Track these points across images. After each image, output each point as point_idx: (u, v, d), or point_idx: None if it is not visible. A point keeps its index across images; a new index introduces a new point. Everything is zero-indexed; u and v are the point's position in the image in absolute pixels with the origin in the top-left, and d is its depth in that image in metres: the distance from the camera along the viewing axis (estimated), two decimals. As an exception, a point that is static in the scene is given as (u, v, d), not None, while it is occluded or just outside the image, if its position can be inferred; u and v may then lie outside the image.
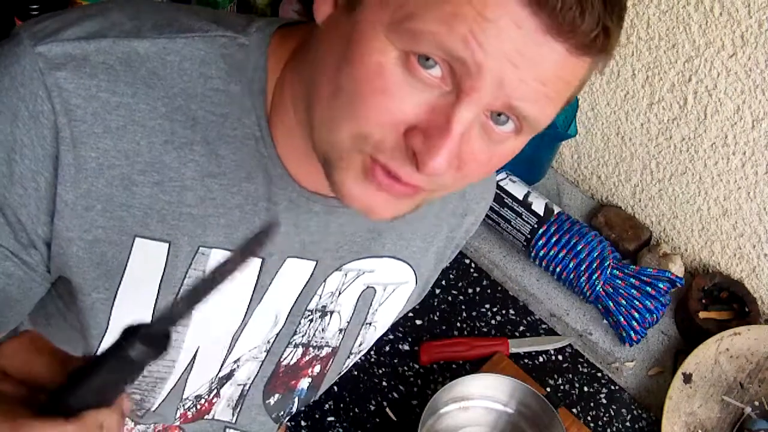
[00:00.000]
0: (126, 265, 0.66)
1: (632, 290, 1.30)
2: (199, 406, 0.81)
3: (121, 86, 0.61)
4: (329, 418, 1.16)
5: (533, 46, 0.51)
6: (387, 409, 1.19)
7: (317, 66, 0.60)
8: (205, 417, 0.83)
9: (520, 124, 0.56)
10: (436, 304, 1.31)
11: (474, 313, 1.32)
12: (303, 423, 1.15)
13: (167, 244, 0.67)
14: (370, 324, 0.85)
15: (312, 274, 0.75)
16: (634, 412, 1.25)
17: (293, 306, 0.77)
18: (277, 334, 0.79)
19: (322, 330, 0.81)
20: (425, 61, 0.53)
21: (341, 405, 1.18)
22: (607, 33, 0.52)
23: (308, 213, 0.70)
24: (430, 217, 0.81)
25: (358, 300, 0.81)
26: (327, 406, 1.17)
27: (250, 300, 0.73)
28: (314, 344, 0.82)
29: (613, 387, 1.27)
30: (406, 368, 1.23)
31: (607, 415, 1.24)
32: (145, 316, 0.70)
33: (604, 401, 1.26)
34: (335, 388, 1.19)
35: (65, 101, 0.60)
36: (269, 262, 0.72)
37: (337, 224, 0.73)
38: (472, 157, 0.57)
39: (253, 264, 0.71)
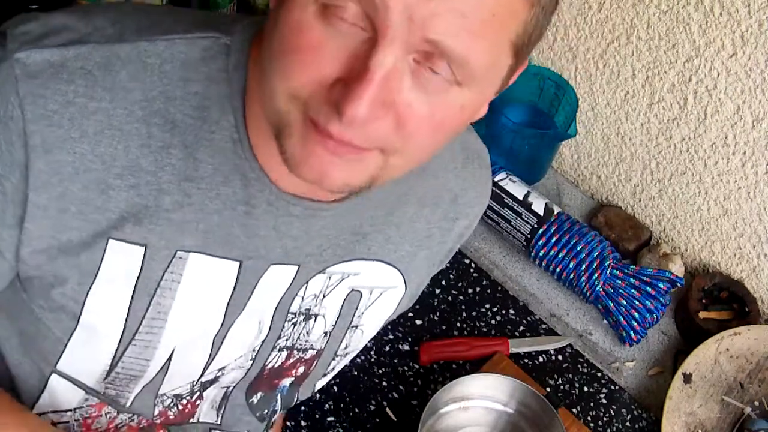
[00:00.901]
0: (100, 266, 0.66)
1: (632, 290, 1.30)
2: (180, 407, 0.80)
3: (98, 91, 0.61)
4: (329, 418, 1.16)
5: None
6: (387, 409, 1.19)
7: (265, 46, 0.60)
8: (190, 421, 0.83)
9: (452, 71, 0.53)
10: (436, 304, 1.31)
11: (474, 313, 1.32)
12: (303, 423, 1.15)
13: (143, 248, 0.66)
14: (356, 327, 0.84)
15: (294, 278, 0.75)
16: (634, 412, 1.25)
17: (275, 310, 0.76)
18: (263, 341, 0.78)
19: (307, 333, 0.80)
20: (344, 12, 0.52)
21: (341, 405, 1.18)
22: None
23: (288, 216, 0.69)
24: (420, 221, 0.80)
25: (343, 303, 0.80)
26: (327, 406, 1.17)
27: (228, 303, 0.72)
28: (298, 347, 0.81)
29: (613, 387, 1.27)
30: (406, 368, 1.23)
31: (607, 415, 1.24)
32: (120, 317, 0.70)
33: (604, 401, 1.26)
34: (335, 388, 1.19)
35: (41, 107, 0.60)
36: (248, 266, 0.71)
37: (319, 227, 0.72)
38: (410, 110, 0.55)
39: (231, 268, 0.70)
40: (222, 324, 0.74)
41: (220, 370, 0.78)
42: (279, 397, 0.87)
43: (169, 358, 0.74)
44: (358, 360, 1.22)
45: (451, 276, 1.35)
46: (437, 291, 1.33)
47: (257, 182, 0.67)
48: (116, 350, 0.72)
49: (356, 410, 1.18)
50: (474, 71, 0.54)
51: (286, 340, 0.80)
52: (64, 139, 0.61)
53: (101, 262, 0.66)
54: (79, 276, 0.66)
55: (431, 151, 0.61)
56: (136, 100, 0.62)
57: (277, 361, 0.81)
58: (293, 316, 0.78)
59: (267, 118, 0.60)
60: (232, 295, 0.72)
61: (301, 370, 0.84)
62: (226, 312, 0.73)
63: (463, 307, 1.32)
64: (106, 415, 0.79)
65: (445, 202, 0.81)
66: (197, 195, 0.66)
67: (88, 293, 0.67)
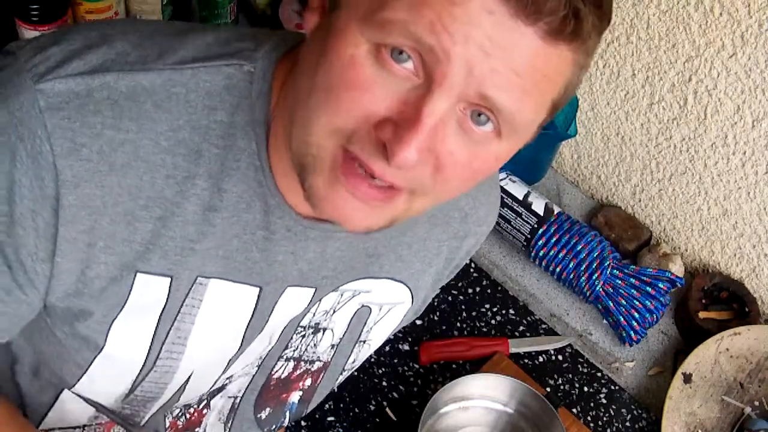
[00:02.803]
0: (127, 299, 0.65)
1: (632, 290, 1.30)
2: (188, 415, 0.80)
3: (125, 122, 0.59)
4: (329, 418, 1.16)
5: (505, 32, 0.50)
6: (387, 409, 1.19)
7: (300, 75, 0.59)
8: (196, 430, 0.82)
9: (498, 124, 0.54)
10: (436, 304, 1.31)
11: (474, 313, 1.32)
12: (303, 423, 1.15)
13: (169, 279, 0.65)
14: (364, 342, 0.84)
15: (311, 300, 0.75)
16: (634, 412, 1.25)
17: (287, 325, 0.76)
18: (270, 351, 0.78)
19: (314, 345, 0.80)
20: (398, 55, 0.52)
21: (341, 405, 1.18)
22: (577, 16, 0.51)
23: (305, 241, 0.69)
24: (431, 240, 0.80)
25: (352, 318, 0.80)
26: (327, 406, 1.17)
27: (247, 327, 0.72)
28: (306, 358, 0.81)
29: (613, 387, 1.27)
30: (406, 368, 1.23)
31: (607, 415, 1.24)
32: (143, 347, 0.69)
33: (604, 401, 1.26)
34: (335, 388, 1.19)
35: (70, 141, 0.58)
36: (267, 291, 0.71)
37: (335, 249, 0.72)
38: (451, 158, 0.55)
39: (251, 293, 0.70)
40: (240, 347, 0.74)
41: (227, 378, 0.78)
42: (288, 414, 0.87)
43: (187, 380, 0.74)
44: (358, 360, 1.22)
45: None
46: (437, 291, 1.33)
47: (277, 209, 0.66)
48: (137, 377, 0.71)
49: (356, 410, 1.18)
50: (517, 126, 0.55)
51: (294, 351, 0.80)
52: (92, 173, 0.59)
53: (128, 296, 0.65)
54: (105, 309, 0.65)
55: (457, 194, 0.62)
56: (162, 131, 0.61)
57: (284, 372, 0.81)
58: (302, 329, 0.78)
59: (294, 149, 0.59)
60: (251, 319, 0.72)
61: (308, 382, 0.84)
62: (244, 336, 0.73)
63: (463, 307, 1.32)
64: None
65: (455, 221, 0.80)
66: (220, 224, 0.65)
67: (112, 324, 0.66)
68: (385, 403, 1.19)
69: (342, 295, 0.77)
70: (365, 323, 0.82)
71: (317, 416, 1.16)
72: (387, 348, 1.25)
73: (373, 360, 1.23)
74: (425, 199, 0.60)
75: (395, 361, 1.24)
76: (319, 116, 0.56)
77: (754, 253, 1.35)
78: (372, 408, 1.19)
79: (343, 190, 0.57)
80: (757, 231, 1.33)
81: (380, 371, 1.22)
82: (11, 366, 0.76)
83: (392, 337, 1.25)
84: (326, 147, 0.56)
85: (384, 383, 1.21)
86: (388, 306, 0.82)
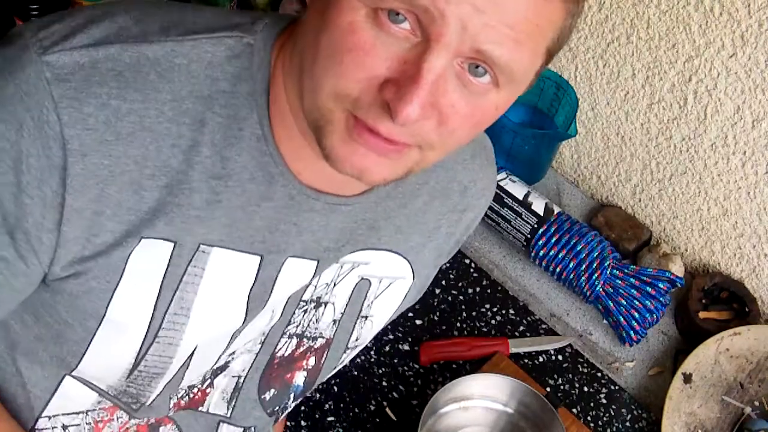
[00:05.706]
0: (128, 263, 0.66)
1: (632, 290, 1.30)
2: (191, 395, 0.81)
3: (131, 92, 0.61)
4: (329, 418, 1.16)
5: None
6: (387, 409, 1.19)
7: (304, 44, 0.62)
8: (199, 409, 0.83)
9: (495, 75, 0.57)
10: (436, 304, 1.31)
11: (474, 313, 1.32)
12: (303, 423, 1.15)
13: (172, 244, 0.67)
14: (366, 318, 0.85)
15: (314, 273, 0.76)
16: (634, 412, 1.25)
17: (288, 299, 0.77)
18: (272, 326, 0.79)
19: (316, 320, 0.81)
20: (395, 17, 0.55)
21: (341, 405, 1.18)
22: None
23: (309, 212, 0.71)
24: (430, 213, 0.81)
25: (352, 291, 0.81)
26: (327, 406, 1.17)
27: (249, 297, 0.73)
28: (308, 335, 0.82)
29: (613, 387, 1.27)
30: (406, 368, 1.23)
31: (607, 415, 1.24)
32: (145, 315, 0.70)
33: (604, 401, 1.26)
34: (335, 388, 1.19)
35: (77, 110, 0.60)
36: (268, 260, 0.72)
37: (338, 221, 0.73)
38: (453, 110, 0.58)
39: (252, 262, 0.71)
40: (244, 320, 0.75)
41: (230, 354, 0.79)
42: (293, 396, 0.88)
43: (191, 355, 0.75)
44: (358, 360, 1.22)
45: (451, 276, 1.35)
46: (437, 291, 1.33)
47: (280, 177, 0.68)
48: (140, 348, 0.72)
49: (356, 410, 1.18)
50: (514, 76, 0.58)
51: (296, 327, 0.81)
52: (99, 142, 0.61)
53: (131, 260, 0.66)
54: (108, 276, 0.67)
55: (461, 145, 0.64)
56: (166, 101, 0.63)
57: (287, 350, 0.82)
58: (305, 303, 0.79)
59: (306, 114, 0.62)
60: (252, 289, 0.73)
61: (312, 361, 0.85)
62: (247, 308, 0.74)
63: (463, 307, 1.32)
64: (117, 419, 0.80)
65: (454, 194, 0.82)
66: (225, 192, 0.67)
67: (115, 291, 0.67)
68: (385, 403, 1.19)
69: (342, 267, 0.78)
70: (366, 297, 0.83)
71: (317, 416, 1.16)
72: (387, 348, 1.25)
73: (373, 360, 1.23)
74: (434, 152, 0.62)
75: (395, 361, 1.24)
76: (325, 81, 0.58)
77: (754, 253, 1.35)
78: (372, 408, 1.19)
79: (359, 147, 0.59)
80: (757, 231, 1.33)
81: (380, 371, 1.22)
82: (11, 354, 0.76)
83: (392, 337, 1.26)
84: (335, 111, 0.59)
85: (384, 383, 1.21)
86: (389, 280, 0.83)
